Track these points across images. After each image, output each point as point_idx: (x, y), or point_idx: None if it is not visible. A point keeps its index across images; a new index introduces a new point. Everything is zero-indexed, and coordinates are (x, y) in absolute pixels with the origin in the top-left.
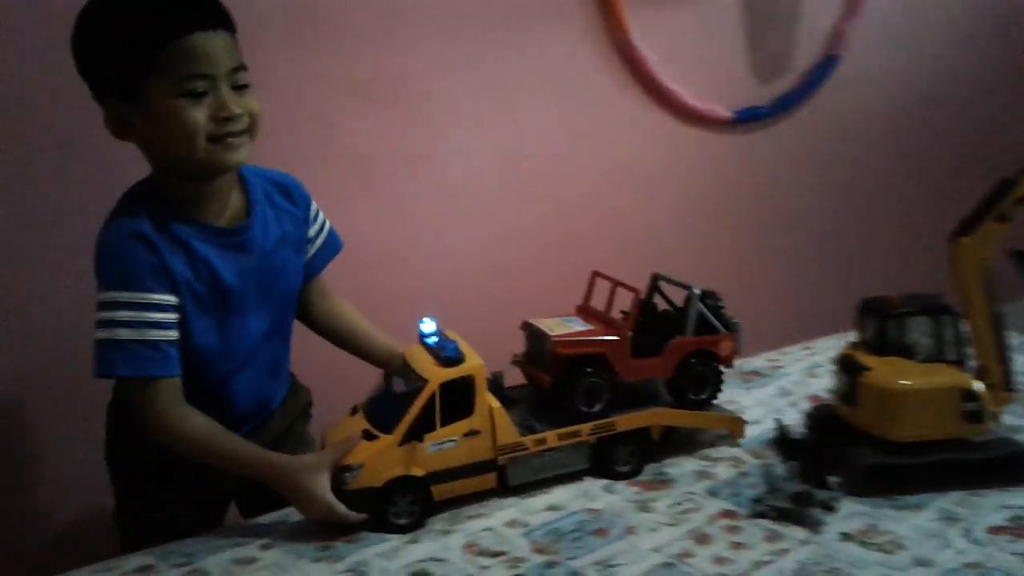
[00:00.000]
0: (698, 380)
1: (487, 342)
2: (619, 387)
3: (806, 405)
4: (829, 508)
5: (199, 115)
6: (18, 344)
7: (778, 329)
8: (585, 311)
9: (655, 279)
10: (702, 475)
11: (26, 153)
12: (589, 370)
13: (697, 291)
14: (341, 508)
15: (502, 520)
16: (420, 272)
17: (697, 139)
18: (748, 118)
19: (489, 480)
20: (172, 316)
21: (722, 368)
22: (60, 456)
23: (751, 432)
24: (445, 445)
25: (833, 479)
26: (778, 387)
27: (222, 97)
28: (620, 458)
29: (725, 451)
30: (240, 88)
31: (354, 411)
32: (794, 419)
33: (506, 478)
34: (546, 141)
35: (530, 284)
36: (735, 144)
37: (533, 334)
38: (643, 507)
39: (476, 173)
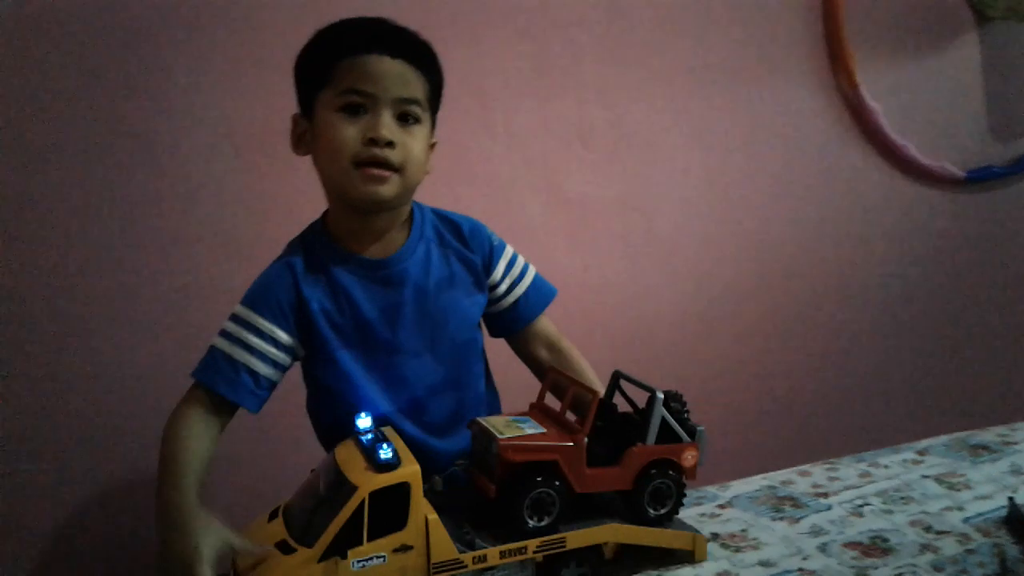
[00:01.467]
0: (658, 493)
1: (677, 386)
2: (571, 498)
3: None
4: None
5: (349, 131)
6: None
7: (1008, 402)
8: (539, 410)
9: (616, 377)
10: None
11: None
12: (539, 479)
13: (660, 394)
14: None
15: None
16: (618, 315)
17: (923, 197)
18: (980, 178)
19: None
20: (272, 350)
21: (685, 480)
22: None
23: (978, 508)
24: (372, 562)
25: None
26: (1010, 463)
27: (378, 120)
28: None
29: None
30: (408, 122)
31: (273, 515)
32: None
33: None
34: (758, 191)
35: (729, 334)
36: (965, 204)
37: (479, 435)
38: None
39: (684, 222)
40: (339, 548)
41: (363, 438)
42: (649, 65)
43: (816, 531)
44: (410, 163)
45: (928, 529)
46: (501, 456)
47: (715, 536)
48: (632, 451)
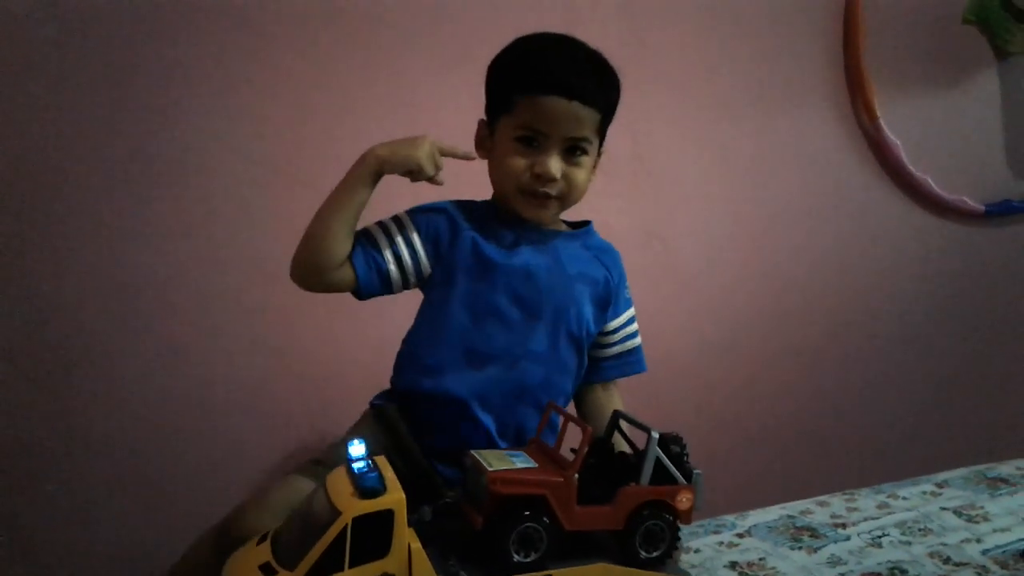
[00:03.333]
0: (650, 535)
1: (697, 423)
2: (560, 535)
3: None
4: None
5: (520, 163)
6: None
7: None
8: (536, 446)
9: (615, 417)
10: None
11: None
12: (527, 513)
13: (656, 435)
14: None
15: None
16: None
17: (942, 230)
18: (999, 212)
19: None
20: (405, 251)
21: (679, 524)
22: None
23: (996, 540)
24: None
25: None
26: None
27: (546, 157)
28: None
29: (968, 555)
30: (574, 158)
31: (263, 538)
32: None
33: None
34: (778, 222)
35: (748, 363)
36: (983, 238)
37: (471, 467)
38: None
39: (703, 252)
40: (320, 572)
41: (354, 466)
42: (670, 96)
43: (834, 561)
44: (571, 191)
45: (946, 561)
46: (489, 488)
47: (733, 565)
48: (625, 491)
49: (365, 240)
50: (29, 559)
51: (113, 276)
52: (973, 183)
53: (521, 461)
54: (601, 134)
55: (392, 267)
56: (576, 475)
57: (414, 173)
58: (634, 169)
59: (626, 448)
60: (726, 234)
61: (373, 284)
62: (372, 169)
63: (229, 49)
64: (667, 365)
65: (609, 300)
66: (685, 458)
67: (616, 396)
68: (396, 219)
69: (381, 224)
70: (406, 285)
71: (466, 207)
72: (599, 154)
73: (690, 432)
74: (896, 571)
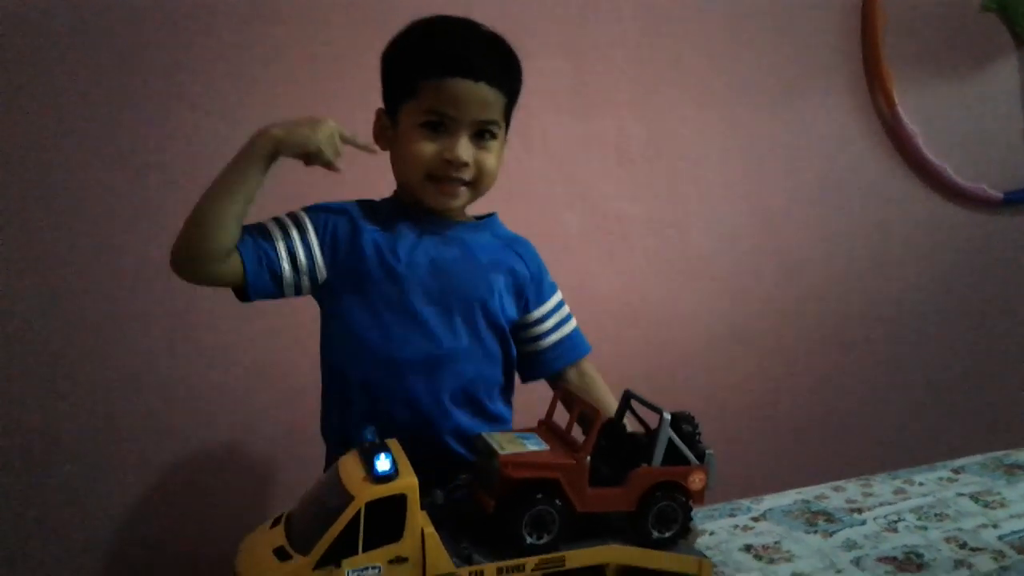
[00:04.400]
0: (663, 516)
1: (712, 410)
2: (572, 517)
3: None
4: None
5: (427, 148)
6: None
7: None
8: (546, 428)
9: (626, 397)
10: None
11: None
12: (539, 496)
13: (667, 415)
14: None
15: None
16: (654, 331)
17: (960, 218)
18: (1018, 199)
19: None
20: (300, 249)
21: (692, 505)
22: None
23: (1013, 526)
24: (366, 572)
25: None
26: None
27: (455, 141)
28: None
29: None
30: (483, 142)
31: (276, 521)
32: None
33: None
34: (794, 209)
35: (763, 350)
36: (1001, 225)
37: (482, 449)
38: None
39: (720, 239)
40: (334, 557)
41: (366, 449)
42: (686, 83)
43: (850, 545)
44: (482, 176)
45: (963, 546)
46: (501, 472)
47: (748, 547)
48: (637, 472)
49: (257, 233)
50: (59, 535)
51: (136, 258)
52: (991, 170)
53: (532, 443)
54: (507, 119)
55: (285, 264)
56: (588, 457)
57: (311, 156)
58: (649, 157)
59: (636, 428)
60: (742, 222)
61: (263, 281)
62: (266, 151)
63: (237, 45)
64: (682, 351)
65: (525, 289)
66: (697, 438)
67: (590, 376)
68: (292, 215)
69: (275, 219)
70: (298, 289)
71: (367, 207)
72: (504, 141)
73: (704, 418)
74: (912, 555)
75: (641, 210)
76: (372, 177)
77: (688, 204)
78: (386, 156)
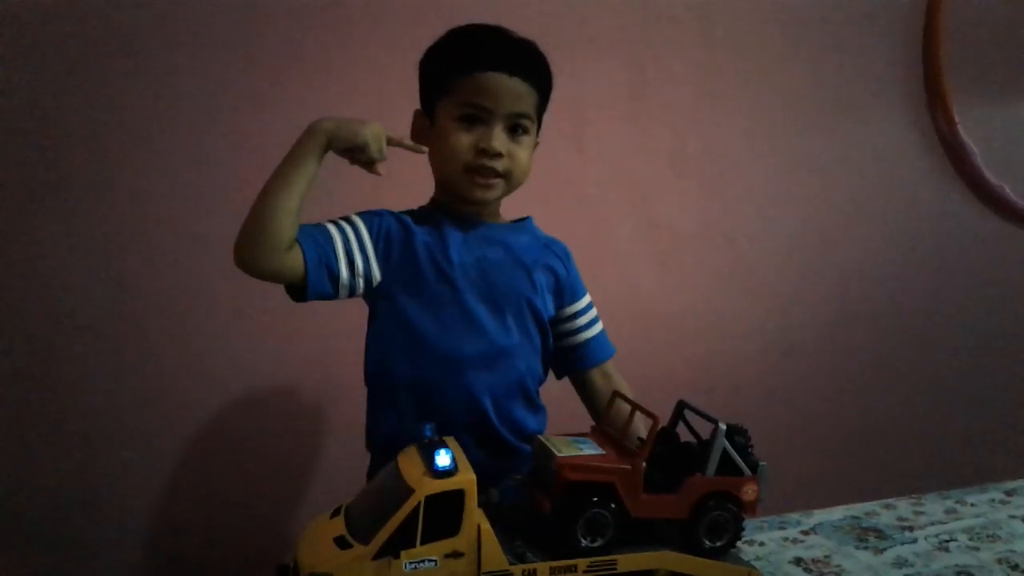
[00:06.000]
0: (715, 525)
1: (761, 422)
2: (626, 521)
3: None
4: None
5: (464, 140)
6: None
7: None
8: (600, 433)
9: (680, 407)
10: None
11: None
12: (595, 499)
13: (723, 426)
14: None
15: None
16: (703, 341)
17: (1018, 238)
18: None
19: None
20: (357, 254)
21: (744, 516)
22: None
23: None
24: (423, 565)
25: None
26: None
27: (490, 132)
28: None
29: None
30: (517, 133)
31: (336, 512)
32: None
33: None
34: (849, 224)
35: (814, 365)
36: None
37: (539, 451)
38: None
39: (772, 251)
40: (393, 548)
41: (425, 445)
42: (744, 95)
43: (901, 562)
44: (515, 170)
45: (1015, 567)
46: (558, 474)
47: (798, 560)
48: (691, 480)
49: (317, 232)
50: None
51: (182, 246)
52: None
53: (588, 447)
54: (539, 117)
55: (343, 266)
56: (644, 463)
57: (358, 150)
58: (703, 168)
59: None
60: (796, 234)
61: (321, 281)
62: (319, 143)
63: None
64: (735, 363)
65: (563, 288)
66: (750, 449)
67: (615, 379)
68: (346, 219)
69: (331, 221)
70: (352, 291)
71: (408, 214)
72: (536, 142)
73: (755, 431)
74: (963, 575)
75: (693, 220)
76: (407, 189)
77: (741, 216)
78: (416, 165)
